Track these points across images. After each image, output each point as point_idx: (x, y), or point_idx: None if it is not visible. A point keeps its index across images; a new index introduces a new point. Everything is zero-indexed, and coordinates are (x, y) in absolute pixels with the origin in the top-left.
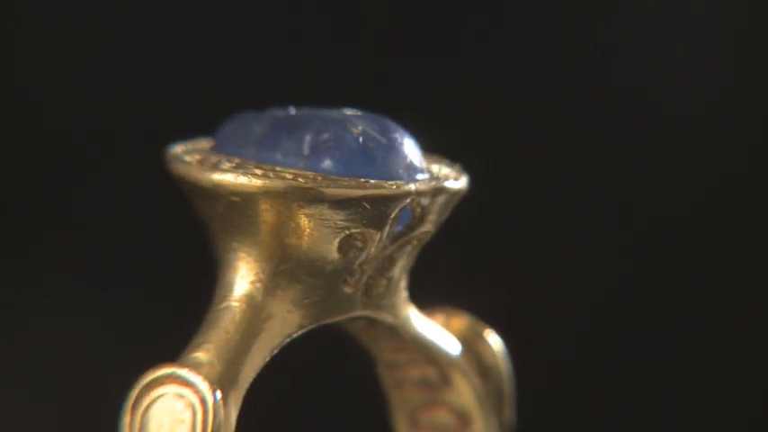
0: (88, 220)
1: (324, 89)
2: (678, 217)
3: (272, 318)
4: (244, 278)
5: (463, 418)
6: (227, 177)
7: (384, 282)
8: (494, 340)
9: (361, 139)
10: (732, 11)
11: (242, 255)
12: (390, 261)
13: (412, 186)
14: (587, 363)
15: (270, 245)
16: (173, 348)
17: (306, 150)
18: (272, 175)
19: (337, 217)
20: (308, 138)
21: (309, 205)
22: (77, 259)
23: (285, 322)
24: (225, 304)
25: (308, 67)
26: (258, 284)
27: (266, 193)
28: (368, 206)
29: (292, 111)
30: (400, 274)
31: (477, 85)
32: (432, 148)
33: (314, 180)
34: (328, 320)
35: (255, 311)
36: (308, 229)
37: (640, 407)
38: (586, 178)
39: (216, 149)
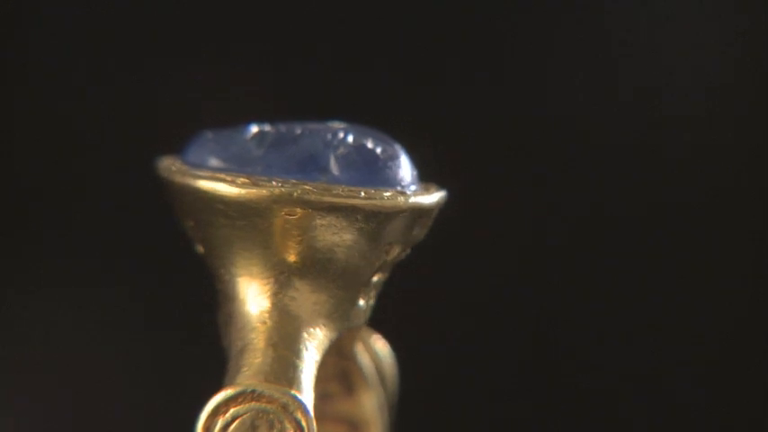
0: (88, 221)
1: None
2: (677, 217)
3: (314, 332)
4: (279, 294)
5: (355, 428)
6: (285, 194)
7: (375, 292)
8: (380, 345)
9: (378, 150)
10: (732, 11)
11: (277, 271)
12: (387, 271)
13: (438, 196)
14: (586, 365)
15: (311, 260)
16: (173, 348)
17: (327, 165)
18: (332, 191)
19: (386, 229)
20: (324, 153)
21: (368, 220)
22: (77, 259)
23: (322, 336)
24: (263, 321)
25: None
26: (293, 300)
27: (329, 210)
28: (409, 216)
29: (269, 126)
30: (383, 283)
31: (473, 88)
32: (429, 154)
33: (373, 195)
34: (344, 332)
35: (297, 326)
36: (356, 244)
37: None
38: (585, 178)
39: (203, 167)
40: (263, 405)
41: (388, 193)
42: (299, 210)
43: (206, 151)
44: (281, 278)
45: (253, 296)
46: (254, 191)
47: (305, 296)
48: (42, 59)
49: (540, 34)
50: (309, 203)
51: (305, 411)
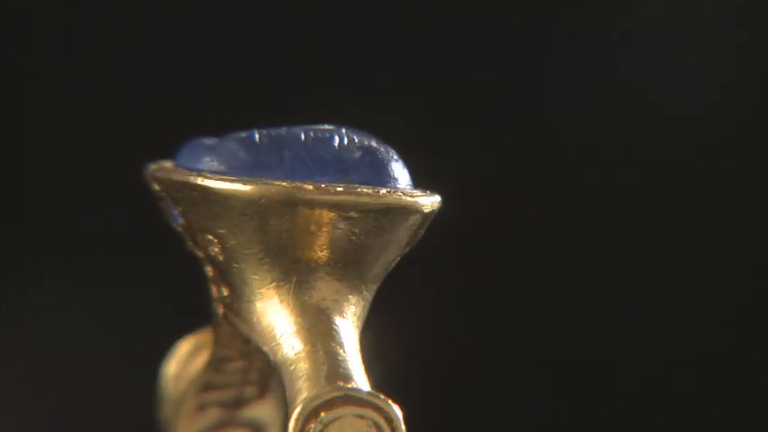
0: (88, 221)
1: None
2: (677, 217)
3: (354, 333)
4: (323, 298)
5: (259, 430)
6: (346, 198)
7: None
8: None
9: (385, 151)
10: (732, 11)
11: (320, 274)
12: None
13: (438, 196)
14: (587, 366)
15: (352, 261)
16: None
17: (346, 168)
18: (380, 193)
19: (410, 230)
20: (339, 156)
21: (407, 220)
22: (77, 259)
23: (357, 337)
24: (313, 325)
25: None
26: (336, 303)
27: (385, 212)
28: (424, 216)
29: (267, 131)
30: None
31: (466, 86)
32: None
33: (411, 194)
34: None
35: (344, 328)
36: (389, 244)
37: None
38: (585, 178)
39: (207, 173)
40: (355, 409)
41: (418, 193)
42: (355, 213)
43: (210, 157)
44: (324, 282)
45: (296, 301)
46: (319, 197)
47: (345, 298)
48: (42, 59)
49: (540, 34)
50: (368, 206)
51: (395, 411)
